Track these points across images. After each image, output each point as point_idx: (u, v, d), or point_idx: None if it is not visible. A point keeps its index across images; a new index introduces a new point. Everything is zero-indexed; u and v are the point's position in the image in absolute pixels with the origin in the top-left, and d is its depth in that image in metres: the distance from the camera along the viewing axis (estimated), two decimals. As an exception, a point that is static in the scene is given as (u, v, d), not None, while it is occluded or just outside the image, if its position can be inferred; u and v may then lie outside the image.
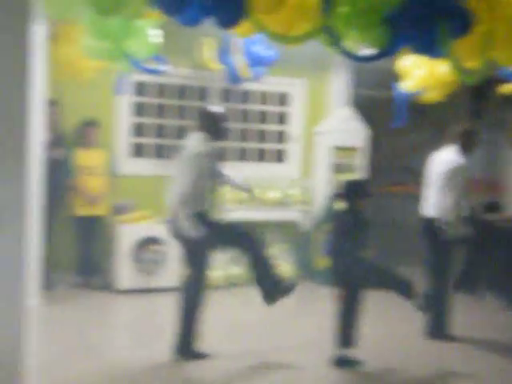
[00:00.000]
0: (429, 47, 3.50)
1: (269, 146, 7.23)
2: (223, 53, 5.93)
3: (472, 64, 3.68)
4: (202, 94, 6.83)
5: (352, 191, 4.27)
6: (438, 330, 4.90)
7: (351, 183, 4.40)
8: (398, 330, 5.19)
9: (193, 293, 4.18)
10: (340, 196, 4.36)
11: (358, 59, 3.36)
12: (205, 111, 4.36)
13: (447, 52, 3.29)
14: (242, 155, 7.14)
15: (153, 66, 4.79)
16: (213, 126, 4.25)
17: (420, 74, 5.29)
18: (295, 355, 4.46)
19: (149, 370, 4.12)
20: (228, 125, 4.67)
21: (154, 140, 6.71)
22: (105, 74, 5.84)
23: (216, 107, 4.43)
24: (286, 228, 7.04)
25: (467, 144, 4.86)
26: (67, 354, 4.21)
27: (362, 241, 4.18)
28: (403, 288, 4.14)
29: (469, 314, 5.74)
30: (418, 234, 5.01)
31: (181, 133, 6.85)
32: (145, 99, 6.62)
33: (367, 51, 3.96)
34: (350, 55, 3.27)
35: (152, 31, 4.25)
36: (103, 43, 4.16)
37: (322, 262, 6.66)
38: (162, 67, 4.65)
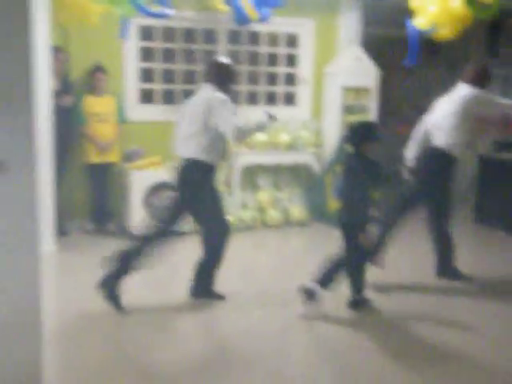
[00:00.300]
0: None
1: (278, 88, 7.13)
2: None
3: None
4: (210, 36, 6.70)
5: (358, 134, 4.15)
6: (447, 268, 4.96)
7: (358, 126, 4.28)
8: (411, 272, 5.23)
9: (214, 237, 4.25)
10: (347, 139, 4.28)
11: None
12: (213, 63, 4.28)
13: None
14: (252, 98, 7.06)
15: (157, 9, 4.70)
16: (222, 78, 4.19)
17: (433, 9, 5.13)
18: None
19: (165, 311, 4.20)
20: (236, 76, 4.58)
21: (162, 85, 6.64)
22: (111, 18, 5.76)
23: (224, 58, 4.33)
24: (297, 171, 7.04)
25: (480, 81, 4.75)
26: (82, 299, 4.29)
27: (369, 185, 4.11)
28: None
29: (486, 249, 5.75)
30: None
31: (189, 77, 6.79)
32: (151, 44, 6.51)
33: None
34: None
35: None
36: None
37: (334, 204, 6.68)
38: (166, 11, 4.54)
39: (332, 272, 4.20)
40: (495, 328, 4.10)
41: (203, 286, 4.36)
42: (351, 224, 4.12)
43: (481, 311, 4.37)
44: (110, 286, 4.07)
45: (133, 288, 4.28)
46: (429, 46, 7.96)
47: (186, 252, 4.71)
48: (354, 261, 4.19)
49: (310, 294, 4.14)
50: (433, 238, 4.96)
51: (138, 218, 5.95)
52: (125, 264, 4.06)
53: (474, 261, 5.68)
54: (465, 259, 5.52)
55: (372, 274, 4.54)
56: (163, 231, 4.20)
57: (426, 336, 3.91)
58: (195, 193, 4.12)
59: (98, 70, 5.96)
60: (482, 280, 5.02)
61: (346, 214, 4.16)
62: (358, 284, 4.21)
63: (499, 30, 7.49)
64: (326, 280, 4.19)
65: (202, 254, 4.28)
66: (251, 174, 6.81)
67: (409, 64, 5.41)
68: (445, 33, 5.42)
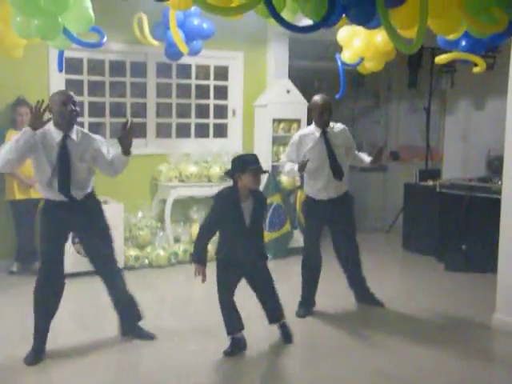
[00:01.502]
0: (365, 18, 3.50)
1: (209, 120, 7.14)
2: (160, 27, 5.77)
3: (409, 33, 3.70)
4: (138, 69, 6.65)
5: (236, 165, 3.94)
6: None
7: (235, 158, 4.05)
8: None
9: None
10: (227, 173, 4.06)
11: (296, 30, 3.31)
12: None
13: (384, 22, 3.29)
14: (183, 131, 7.03)
15: (89, 39, 4.60)
16: None
17: (358, 44, 5.29)
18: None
19: (94, 353, 4.04)
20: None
21: (89, 119, 6.50)
22: (35, 50, 5.62)
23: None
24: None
25: (320, 117, 4.73)
26: (10, 343, 4.07)
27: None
28: None
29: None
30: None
31: (117, 110, 6.69)
32: (79, 77, 6.38)
33: (306, 22, 3.94)
34: (288, 26, 3.22)
35: (86, 2, 4.06)
36: (36, 20, 3.94)
37: (268, 235, 6.69)
38: (101, 39, 4.46)
39: None
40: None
41: (131, 324, 4.25)
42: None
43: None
44: None
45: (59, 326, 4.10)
46: (355, 78, 8.26)
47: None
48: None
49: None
50: (342, 264, 5.07)
51: (66, 255, 5.71)
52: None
53: (399, 287, 5.86)
54: (391, 285, 5.69)
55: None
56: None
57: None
58: None
59: (20, 103, 5.77)
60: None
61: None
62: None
63: (419, 63, 7.83)
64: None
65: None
66: (183, 207, 6.74)
67: (340, 97, 5.55)
68: (370, 66, 5.60)
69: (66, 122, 3.87)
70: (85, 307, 5.11)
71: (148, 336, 4.22)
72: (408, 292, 5.70)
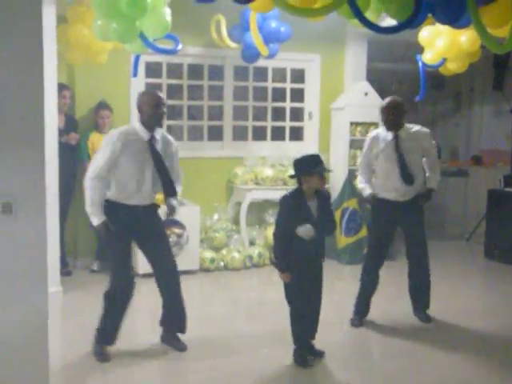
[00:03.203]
0: (454, 16, 3.38)
1: (286, 123, 7.13)
2: (240, 30, 5.81)
3: (499, 32, 3.55)
4: (216, 72, 6.72)
5: (300, 168, 3.82)
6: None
7: (299, 159, 3.88)
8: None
9: None
10: (292, 176, 3.95)
11: (380, 31, 3.24)
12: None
13: (475, 20, 3.16)
14: (259, 134, 7.05)
15: (166, 45, 4.70)
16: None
17: (441, 44, 5.13)
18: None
19: (165, 352, 4.09)
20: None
21: (167, 122, 6.63)
22: (117, 55, 5.79)
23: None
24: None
25: (387, 119, 4.56)
26: (87, 340, 4.18)
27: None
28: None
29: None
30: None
31: (196, 113, 6.80)
32: (157, 80, 6.53)
33: (388, 22, 3.85)
34: (372, 27, 3.15)
35: (164, 9, 4.15)
36: (114, 23, 4.08)
37: (344, 241, 6.60)
38: (176, 46, 4.55)
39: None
40: None
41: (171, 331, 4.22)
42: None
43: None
44: None
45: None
46: (435, 80, 8.03)
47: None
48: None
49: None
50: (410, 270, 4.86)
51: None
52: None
53: (479, 298, 5.62)
54: (474, 294, 5.45)
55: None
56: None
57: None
58: None
59: (102, 106, 5.95)
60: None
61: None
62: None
63: (505, 64, 7.52)
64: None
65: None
66: (259, 210, 6.75)
67: (420, 99, 5.40)
68: (453, 67, 5.42)
69: (156, 123, 3.92)
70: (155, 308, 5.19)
71: (180, 348, 4.12)
72: (489, 304, 5.46)
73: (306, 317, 3.93)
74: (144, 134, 3.89)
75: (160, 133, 4.02)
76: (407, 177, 4.53)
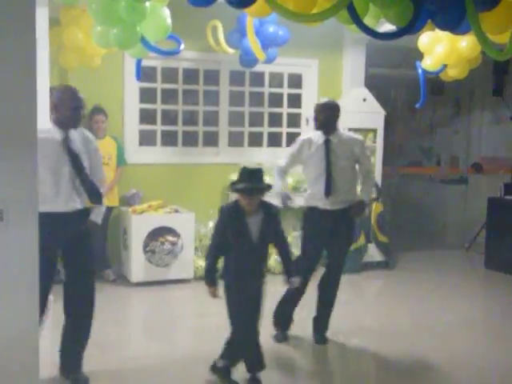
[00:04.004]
0: (454, 22, 3.40)
1: (282, 129, 7.14)
2: (238, 35, 5.82)
3: (499, 38, 3.57)
4: (211, 77, 6.74)
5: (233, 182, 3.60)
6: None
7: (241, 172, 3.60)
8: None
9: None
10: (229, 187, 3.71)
11: (379, 37, 3.26)
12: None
13: (474, 27, 3.18)
14: (256, 139, 7.06)
15: (166, 47, 4.70)
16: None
17: (441, 50, 5.16)
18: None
19: (165, 363, 4.08)
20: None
21: (165, 127, 6.64)
22: (111, 59, 5.80)
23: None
24: (299, 213, 6.97)
25: (318, 118, 4.43)
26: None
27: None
28: None
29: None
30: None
31: (190, 118, 6.80)
32: (153, 85, 6.54)
33: (388, 28, 3.87)
34: (371, 33, 3.17)
35: (164, 11, 4.16)
36: (115, 29, 4.07)
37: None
38: (178, 47, 4.55)
39: None
40: None
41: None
42: None
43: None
44: None
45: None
46: (434, 85, 8.07)
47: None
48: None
49: None
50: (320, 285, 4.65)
51: (137, 264, 5.86)
52: None
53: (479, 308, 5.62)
54: (475, 305, 5.45)
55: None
56: None
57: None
58: None
59: (97, 111, 5.95)
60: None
61: None
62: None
63: (505, 70, 7.56)
64: None
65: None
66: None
67: (420, 106, 5.42)
68: (453, 73, 5.45)
69: (72, 124, 3.69)
70: (154, 316, 5.19)
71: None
72: (490, 314, 5.48)
73: (241, 341, 3.69)
74: (57, 134, 3.62)
75: (78, 131, 3.72)
76: (327, 186, 4.36)
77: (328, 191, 4.37)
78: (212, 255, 3.66)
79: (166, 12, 4.19)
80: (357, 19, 3.03)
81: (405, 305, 5.44)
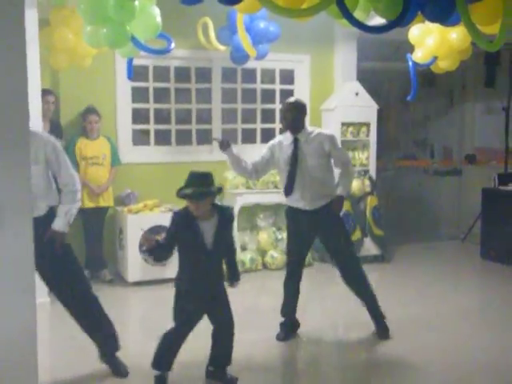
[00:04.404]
0: (443, 14, 3.41)
1: (275, 125, 7.14)
2: (228, 32, 5.82)
3: (489, 29, 3.59)
4: (203, 74, 6.73)
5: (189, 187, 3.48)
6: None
7: (190, 176, 3.55)
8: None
9: None
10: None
11: (369, 30, 3.26)
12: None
13: (464, 18, 3.19)
14: (249, 136, 7.06)
15: (157, 46, 4.70)
16: None
17: (431, 42, 5.16)
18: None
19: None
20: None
21: (154, 126, 6.63)
22: (102, 59, 5.79)
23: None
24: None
25: (285, 118, 4.43)
26: (79, 352, 4.17)
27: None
28: None
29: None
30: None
31: (183, 117, 6.80)
32: (145, 84, 6.53)
33: (378, 21, 3.88)
34: (361, 26, 3.18)
35: (154, 10, 4.16)
36: (105, 29, 4.07)
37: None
38: (169, 45, 4.54)
39: None
40: None
41: None
42: None
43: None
44: None
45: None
46: (426, 77, 8.08)
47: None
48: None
49: None
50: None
51: (134, 263, 5.86)
52: None
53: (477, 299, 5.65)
54: (471, 295, 5.47)
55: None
56: None
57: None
58: None
59: (90, 111, 5.94)
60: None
61: None
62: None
63: (496, 61, 7.58)
64: None
65: None
66: (250, 215, 6.76)
67: (412, 99, 5.43)
68: (444, 65, 5.46)
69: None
70: (152, 316, 5.19)
71: None
72: (486, 305, 5.50)
73: (171, 349, 3.63)
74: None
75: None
76: (289, 186, 4.38)
77: (290, 191, 4.38)
78: (163, 255, 3.58)
79: (156, 10, 4.19)
80: (347, 13, 3.03)
81: (402, 298, 5.46)
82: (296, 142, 4.38)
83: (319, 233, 4.51)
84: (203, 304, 3.60)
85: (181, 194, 3.46)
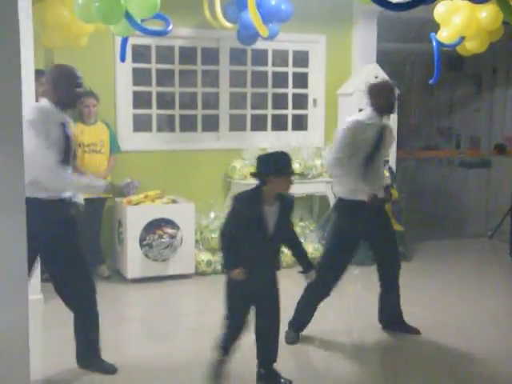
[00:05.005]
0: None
1: (288, 111, 7.13)
2: (236, 8, 5.81)
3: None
4: (210, 55, 6.73)
5: (268, 166, 3.58)
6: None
7: (264, 157, 3.68)
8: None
9: None
10: (254, 174, 3.67)
11: (392, 7, 3.24)
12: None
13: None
14: (259, 123, 7.06)
15: (154, 26, 4.70)
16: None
17: (458, 21, 5.13)
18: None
19: (165, 362, 4.11)
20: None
21: (157, 111, 6.64)
22: (100, 38, 5.80)
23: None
24: (310, 203, 7.00)
25: (378, 101, 4.49)
26: (72, 350, 4.20)
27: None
28: None
29: None
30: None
31: (191, 101, 6.80)
32: (147, 65, 6.53)
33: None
34: (383, 3, 3.15)
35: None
36: (97, 2, 4.08)
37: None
38: (166, 27, 4.54)
39: None
40: None
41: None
42: None
43: None
44: None
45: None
46: (453, 60, 8.03)
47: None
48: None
49: None
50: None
51: (134, 259, 5.88)
52: None
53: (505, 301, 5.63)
54: (499, 295, 5.45)
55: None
56: None
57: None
58: None
59: (87, 94, 5.93)
60: None
61: None
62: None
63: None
64: None
65: None
66: (259, 208, 6.76)
67: (434, 82, 5.40)
68: (471, 46, 5.43)
69: (73, 102, 3.89)
70: (153, 315, 5.22)
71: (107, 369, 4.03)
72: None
73: (234, 333, 3.73)
74: (58, 115, 3.75)
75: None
76: (359, 172, 4.45)
77: (362, 179, 4.40)
78: (227, 244, 3.65)
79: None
80: (366, -12, 3.02)
81: (423, 298, 5.45)
82: (383, 125, 4.51)
83: (371, 229, 4.51)
84: (255, 292, 3.67)
85: (290, 171, 3.56)
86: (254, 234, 3.61)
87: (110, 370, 3.95)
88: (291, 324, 4.51)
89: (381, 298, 4.66)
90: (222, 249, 3.77)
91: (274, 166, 3.55)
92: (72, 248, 3.83)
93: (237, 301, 3.69)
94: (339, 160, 4.36)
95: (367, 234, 4.53)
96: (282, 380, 3.80)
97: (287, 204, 3.69)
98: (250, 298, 3.70)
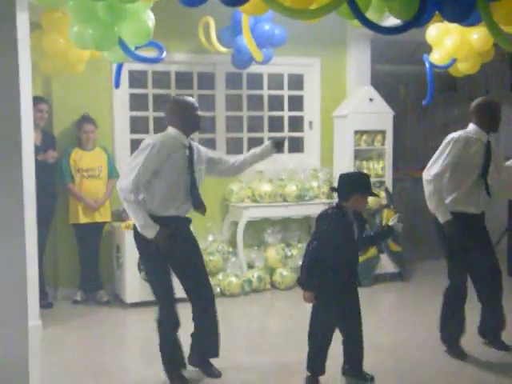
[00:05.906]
0: (462, 13, 3.44)
1: (284, 134, 7.17)
2: (231, 33, 5.87)
3: (512, 29, 3.62)
4: (206, 80, 6.78)
5: (355, 186, 3.92)
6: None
7: (347, 177, 4.05)
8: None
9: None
10: (341, 192, 3.96)
11: (384, 31, 3.30)
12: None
13: (485, 17, 3.22)
14: (256, 146, 7.07)
15: (148, 53, 4.74)
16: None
17: (450, 43, 5.20)
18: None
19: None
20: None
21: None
22: (97, 65, 5.85)
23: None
24: (308, 224, 7.00)
25: (485, 119, 4.64)
26: (75, 380, 4.18)
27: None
28: None
29: None
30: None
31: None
32: (144, 90, 6.58)
33: (393, 22, 3.91)
34: (374, 27, 3.21)
35: (146, 14, 4.20)
36: (91, 29, 4.13)
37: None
38: (160, 54, 4.59)
39: None
40: None
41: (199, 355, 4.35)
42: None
43: None
44: None
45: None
46: (446, 82, 8.11)
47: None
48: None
49: None
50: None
51: (132, 283, 5.87)
52: None
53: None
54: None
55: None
56: None
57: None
58: None
59: (86, 120, 5.99)
60: None
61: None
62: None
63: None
64: None
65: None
66: (257, 230, 6.77)
67: (428, 103, 5.46)
68: (463, 68, 5.50)
69: (196, 127, 4.24)
70: (152, 339, 5.20)
71: (215, 374, 4.25)
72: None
73: (324, 345, 3.99)
74: (183, 139, 4.12)
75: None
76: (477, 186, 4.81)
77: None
78: (315, 262, 3.82)
79: (150, 15, 4.23)
80: (358, 13, 3.07)
81: (422, 320, 5.44)
82: (488, 141, 4.65)
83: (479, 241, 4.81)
84: (342, 305, 3.93)
85: (371, 192, 3.94)
86: (343, 247, 3.86)
87: (216, 374, 4.23)
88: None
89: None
90: (305, 269, 3.93)
91: (360, 185, 3.89)
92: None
93: (325, 316, 3.94)
94: (442, 174, 4.75)
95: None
96: (367, 376, 4.09)
97: (361, 220, 4.04)
98: (336, 315, 3.97)
